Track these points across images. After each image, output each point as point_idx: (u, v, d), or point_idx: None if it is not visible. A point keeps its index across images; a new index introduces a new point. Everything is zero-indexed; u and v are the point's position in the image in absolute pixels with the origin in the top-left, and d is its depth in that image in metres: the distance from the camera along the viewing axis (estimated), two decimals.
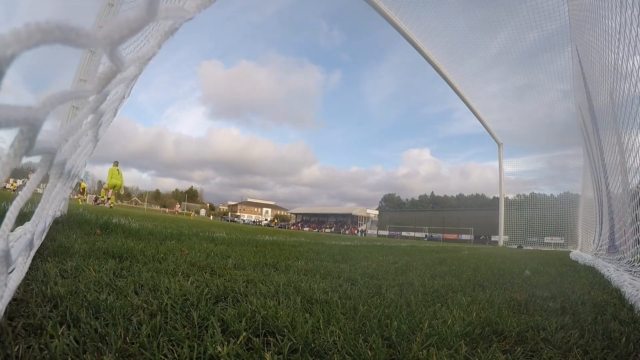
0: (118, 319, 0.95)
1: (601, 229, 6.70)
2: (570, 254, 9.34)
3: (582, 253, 9.14)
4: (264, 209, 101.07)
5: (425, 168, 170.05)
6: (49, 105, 0.33)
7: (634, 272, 3.01)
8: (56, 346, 0.74)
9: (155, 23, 0.36)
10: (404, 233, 55.81)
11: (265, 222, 75.96)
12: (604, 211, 6.31)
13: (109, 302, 1.07)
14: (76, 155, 0.79)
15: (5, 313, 0.76)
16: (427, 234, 52.66)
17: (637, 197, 3.35)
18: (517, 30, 13.53)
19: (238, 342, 0.90)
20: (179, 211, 57.02)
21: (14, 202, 0.50)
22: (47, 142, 0.44)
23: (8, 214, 0.48)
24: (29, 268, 1.37)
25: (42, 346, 0.75)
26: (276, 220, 72.83)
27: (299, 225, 75.13)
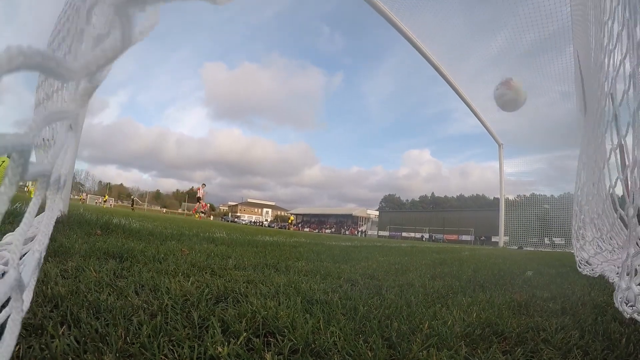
0: (118, 319, 0.95)
1: (596, 228, 6.70)
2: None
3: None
4: (264, 210, 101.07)
5: (426, 169, 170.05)
6: (35, 129, 0.33)
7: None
8: (57, 346, 0.74)
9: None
10: (404, 234, 55.73)
11: (266, 222, 74.71)
12: (598, 211, 6.32)
13: (109, 302, 1.07)
14: (66, 166, 0.80)
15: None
16: (424, 234, 52.26)
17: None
18: (518, 30, 13.54)
19: (238, 343, 0.90)
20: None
21: (19, 231, 0.50)
22: (41, 164, 0.44)
23: (15, 240, 0.48)
24: None
25: (43, 346, 0.75)
26: (292, 218, 62.13)
27: (299, 225, 75.02)
